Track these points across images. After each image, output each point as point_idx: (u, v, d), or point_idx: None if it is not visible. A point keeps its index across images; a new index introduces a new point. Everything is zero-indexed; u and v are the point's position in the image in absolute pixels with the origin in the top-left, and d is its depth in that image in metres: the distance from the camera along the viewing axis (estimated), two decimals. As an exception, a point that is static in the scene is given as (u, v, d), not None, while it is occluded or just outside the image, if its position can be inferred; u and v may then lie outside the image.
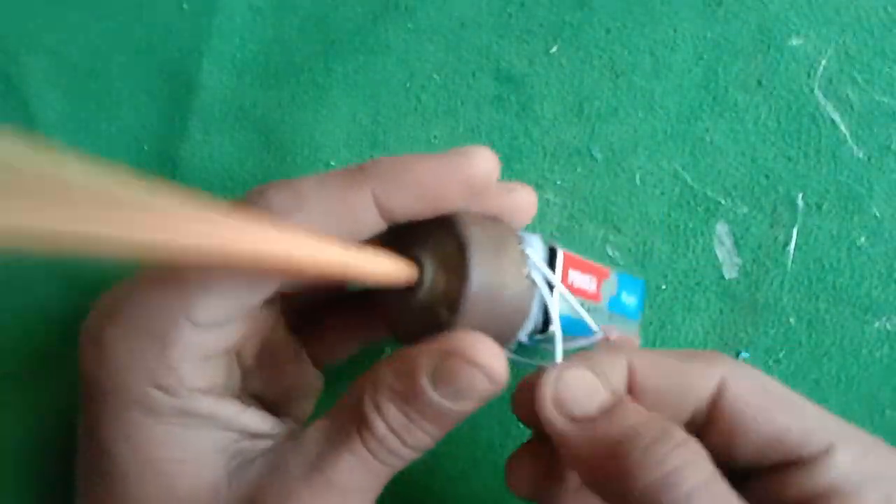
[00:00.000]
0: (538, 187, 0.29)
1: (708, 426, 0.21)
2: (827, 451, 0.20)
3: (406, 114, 0.29)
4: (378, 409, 0.21)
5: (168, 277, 0.21)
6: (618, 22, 0.28)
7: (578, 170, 0.29)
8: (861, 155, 0.27)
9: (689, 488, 0.18)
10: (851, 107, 0.27)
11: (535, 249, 0.22)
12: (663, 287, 0.28)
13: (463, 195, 0.21)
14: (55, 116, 0.31)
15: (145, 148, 0.31)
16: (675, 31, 0.28)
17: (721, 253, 0.28)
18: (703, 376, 0.20)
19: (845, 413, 0.28)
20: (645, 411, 0.19)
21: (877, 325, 0.28)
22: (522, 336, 0.23)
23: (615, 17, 0.28)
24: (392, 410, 0.21)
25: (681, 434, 0.19)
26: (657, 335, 0.28)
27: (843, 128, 0.27)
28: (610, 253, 0.28)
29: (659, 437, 0.18)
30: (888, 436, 0.28)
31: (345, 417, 0.21)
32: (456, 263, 0.21)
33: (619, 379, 0.21)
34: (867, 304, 0.28)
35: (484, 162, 0.21)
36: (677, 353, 0.21)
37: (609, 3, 0.28)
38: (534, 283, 0.22)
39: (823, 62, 0.27)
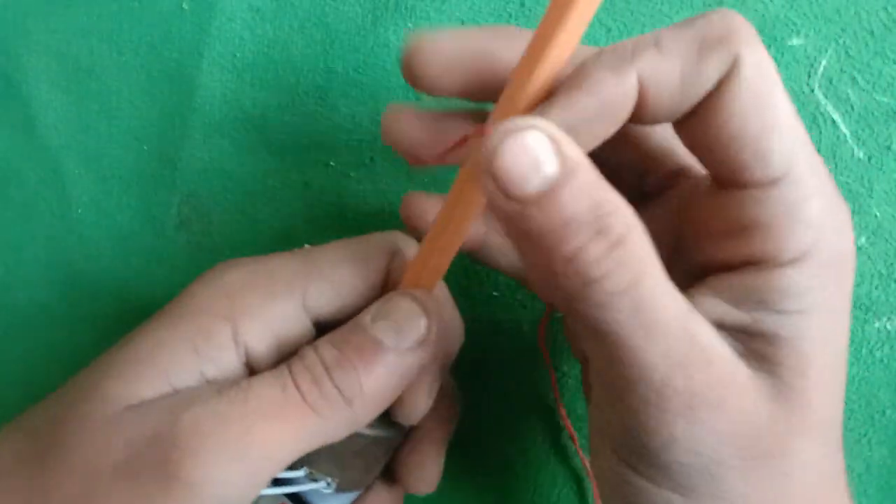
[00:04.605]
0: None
1: (699, 108, 0.18)
2: (773, 182, 0.18)
3: (406, 114, 0.29)
4: (314, 347, 0.21)
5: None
6: (618, 21, 0.28)
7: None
8: (861, 155, 0.27)
9: (605, 298, 0.17)
10: (851, 107, 0.27)
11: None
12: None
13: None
14: (55, 116, 0.31)
15: (145, 148, 0.31)
16: (675, 31, 0.28)
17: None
18: (712, 71, 0.18)
19: (845, 413, 0.28)
20: (589, 189, 0.17)
21: (877, 325, 0.28)
22: None
23: (615, 17, 0.28)
24: (325, 345, 0.21)
25: (619, 227, 0.17)
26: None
27: (843, 128, 0.27)
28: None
29: (591, 239, 0.16)
30: (888, 436, 0.28)
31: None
32: None
33: (590, 132, 0.18)
34: (867, 304, 0.28)
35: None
36: (687, 33, 0.18)
37: (609, 2, 0.28)
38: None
39: (823, 62, 0.27)
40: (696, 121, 0.19)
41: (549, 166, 0.16)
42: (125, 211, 0.31)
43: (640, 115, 0.18)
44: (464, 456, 0.30)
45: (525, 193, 0.16)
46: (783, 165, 0.18)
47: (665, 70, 0.18)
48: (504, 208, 0.17)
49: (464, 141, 0.21)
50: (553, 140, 0.16)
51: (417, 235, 0.23)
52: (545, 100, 0.18)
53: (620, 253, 0.17)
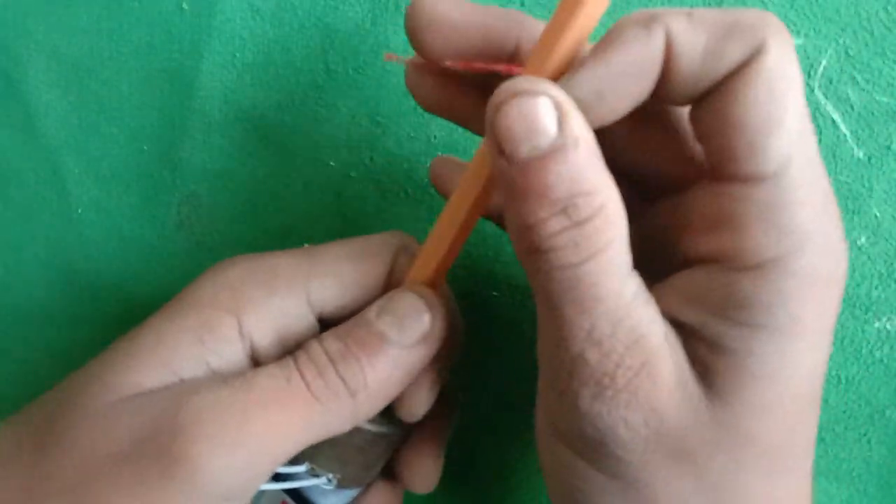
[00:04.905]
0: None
1: (705, 98, 0.18)
2: (760, 180, 0.17)
3: (406, 114, 0.29)
4: (319, 340, 0.21)
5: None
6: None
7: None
8: (861, 155, 0.27)
9: (552, 268, 0.17)
10: (851, 107, 0.27)
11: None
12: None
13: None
14: (55, 116, 0.31)
15: (145, 148, 0.31)
16: (675, 31, 0.28)
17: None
18: (735, 51, 0.17)
19: (845, 413, 0.28)
20: (575, 167, 0.17)
21: (877, 325, 0.28)
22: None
23: (616, 17, 0.28)
24: (330, 338, 0.21)
25: (588, 208, 0.17)
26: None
27: (843, 128, 0.27)
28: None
29: (556, 214, 0.17)
30: (888, 436, 0.28)
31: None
32: None
33: (612, 94, 0.18)
34: (867, 304, 0.28)
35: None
36: (720, 13, 0.18)
37: (609, 2, 0.28)
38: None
39: (823, 62, 0.27)
40: (708, 105, 0.18)
41: (544, 138, 0.17)
42: (125, 211, 0.31)
43: (663, 85, 0.18)
44: (464, 456, 0.30)
45: (515, 155, 0.17)
46: (775, 164, 0.17)
47: (691, 39, 0.17)
48: (494, 162, 0.18)
49: (489, 70, 0.21)
50: (559, 110, 0.17)
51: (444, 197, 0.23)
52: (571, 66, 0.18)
53: (576, 234, 0.17)
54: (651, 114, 0.20)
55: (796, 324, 0.18)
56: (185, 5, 0.30)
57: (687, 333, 0.18)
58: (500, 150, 0.17)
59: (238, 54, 0.30)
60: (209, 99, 0.30)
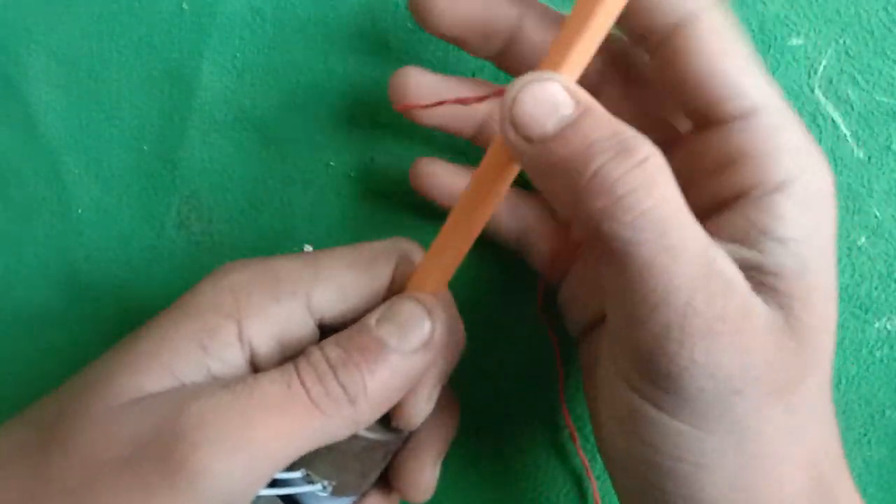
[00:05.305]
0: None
1: (660, 47, 0.20)
2: (749, 113, 0.19)
3: (406, 114, 0.29)
4: (320, 346, 0.21)
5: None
6: (618, 22, 0.28)
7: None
8: (861, 155, 0.27)
9: (633, 216, 0.17)
10: (851, 107, 0.27)
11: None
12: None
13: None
14: (55, 116, 0.31)
15: (145, 148, 0.31)
16: (675, 31, 0.28)
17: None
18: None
19: (845, 413, 0.28)
20: (607, 122, 0.18)
21: (877, 325, 0.28)
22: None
23: (615, 17, 0.28)
24: (331, 345, 0.21)
25: (642, 151, 0.17)
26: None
27: (843, 128, 0.27)
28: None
29: (614, 158, 0.17)
30: (888, 436, 0.28)
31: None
32: None
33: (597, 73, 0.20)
34: (867, 304, 0.28)
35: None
36: None
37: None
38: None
39: (823, 62, 0.27)
40: (670, 56, 0.20)
41: (566, 107, 0.18)
42: (125, 211, 0.31)
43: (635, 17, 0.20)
44: (464, 456, 0.30)
45: (545, 132, 0.18)
46: (758, 98, 0.19)
47: None
48: (527, 152, 0.18)
49: (482, 99, 0.22)
50: (568, 89, 0.18)
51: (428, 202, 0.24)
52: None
53: (644, 171, 0.17)
54: (629, 84, 0.22)
55: (824, 233, 0.19)
56: (185, 5, 0.30)
57: (747, 270, 0.19)
58: (527, 138, 0.18)
59: (238, 54, 0.30)
60: (209, 99, 0.30)
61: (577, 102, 0.18)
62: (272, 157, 0.30)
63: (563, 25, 0.19)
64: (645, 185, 0.17)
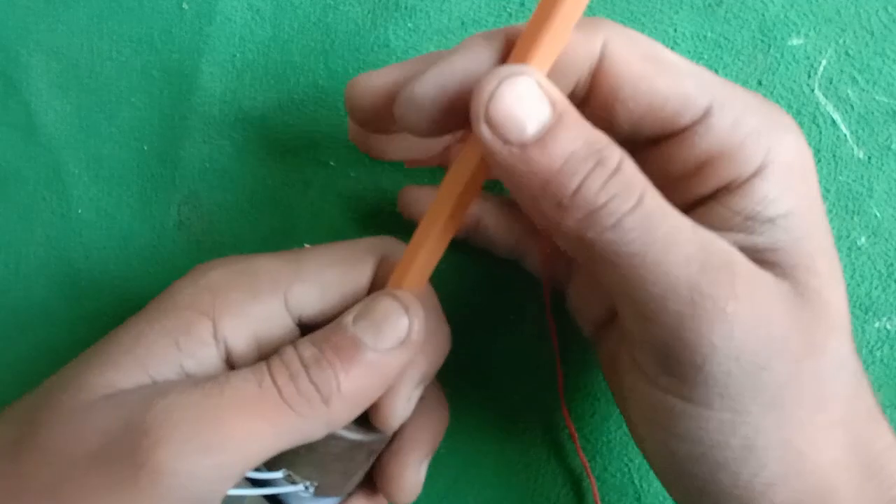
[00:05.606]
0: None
1: (590, 96, 0.20)
2: (704, 115, 0.19)
3: (406, 114, 0.29)
4: (294, 345, 0.21)
5: None
6: (618, 21, 0.28)
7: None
8: (861, 155, 0.27)
9: (616, 220, 0.17)
10: (851, 107, 0.27)
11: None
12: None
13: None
14: (55, 116, 0.31)
15: (145, 148, 0.31)
16: (675, 30, 0.28)
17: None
18: (586, 42, 0.19)
19: (845, 413, 0.28)
20: (581, 128, 0.18)
21: (877, 325, 0.28)
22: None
23: (615, 17, 0.28)
24: (305, 344, 0.21)
25: (615, 157, 0.17)
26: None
27: (843, 128, 0.27)
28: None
29: (593, 170, 0.17)
30: (888, 436, 0.28)
31: None
32: None
33: (573, 76, 0.19)
34: (867, 304, 0.28)
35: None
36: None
37: (609, 2, 0.28)
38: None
39: (823, 62, 0.27)
40: (606, 97, 0.19)
41: (543, 110, 0.17)
42: (125, 211, 0.31)
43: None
44: (463, 456, 0.30)
45: (524, 137, 0.17)
46: (704, 97, 0.19)
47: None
48: (503, 154, 0.17)
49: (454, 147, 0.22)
50: (542, 86, 0.17)
51: (412, 225, 0.23)
52: None
53: (621, 177, 0.17)
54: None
55: (808, 202, 0.19)
56: (185, 5, 0.30)
57: (744, 252, 0.19)
58: (505, 139, 0.17)
59: (238, 54, 0.30)
60: (209, 99, 0.30)
61: (553, 104, 0.17)
62: (272, 157, 0.30)
63: (531, 20, 0.19)
64: (624, 189, 0.17)
